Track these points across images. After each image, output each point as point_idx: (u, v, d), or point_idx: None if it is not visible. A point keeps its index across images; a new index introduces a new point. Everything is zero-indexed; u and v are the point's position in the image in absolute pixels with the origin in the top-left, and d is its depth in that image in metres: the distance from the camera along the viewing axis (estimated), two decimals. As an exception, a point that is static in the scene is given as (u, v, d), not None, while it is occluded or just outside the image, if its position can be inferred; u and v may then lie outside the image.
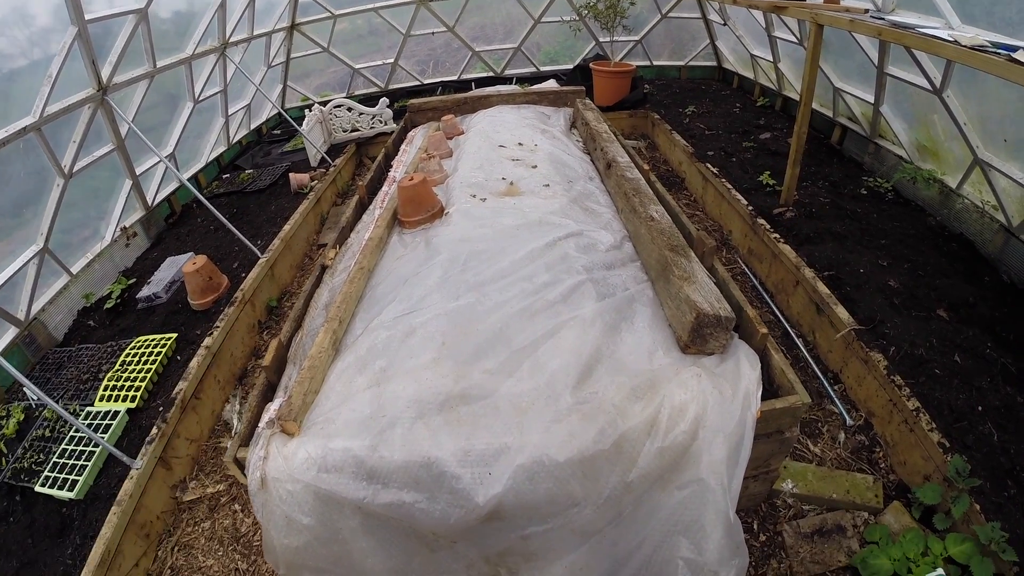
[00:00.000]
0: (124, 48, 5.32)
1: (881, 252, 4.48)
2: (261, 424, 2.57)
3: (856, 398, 3.73)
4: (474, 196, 4.39)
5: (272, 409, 2.65)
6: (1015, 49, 2.96)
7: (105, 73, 5.16)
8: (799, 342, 4.17)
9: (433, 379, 2.58)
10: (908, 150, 5.48)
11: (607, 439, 2.27)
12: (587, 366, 2.61)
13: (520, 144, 5.36)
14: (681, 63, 10.03)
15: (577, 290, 3.07)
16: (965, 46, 3.18)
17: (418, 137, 6.60)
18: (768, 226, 4.80)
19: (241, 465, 2.54)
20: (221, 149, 8.20)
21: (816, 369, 3.93)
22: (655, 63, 10.16)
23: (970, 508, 2.76)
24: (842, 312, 3.80)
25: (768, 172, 5.69)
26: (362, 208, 5.14)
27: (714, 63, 9.85)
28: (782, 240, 4.59)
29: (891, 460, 3.38)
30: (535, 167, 4.75)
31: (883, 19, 4.15)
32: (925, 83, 4.63)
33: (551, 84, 7.98)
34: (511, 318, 2.92)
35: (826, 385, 3.81)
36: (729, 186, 5.49)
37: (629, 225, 3.82)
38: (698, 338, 2.67)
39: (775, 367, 2.71)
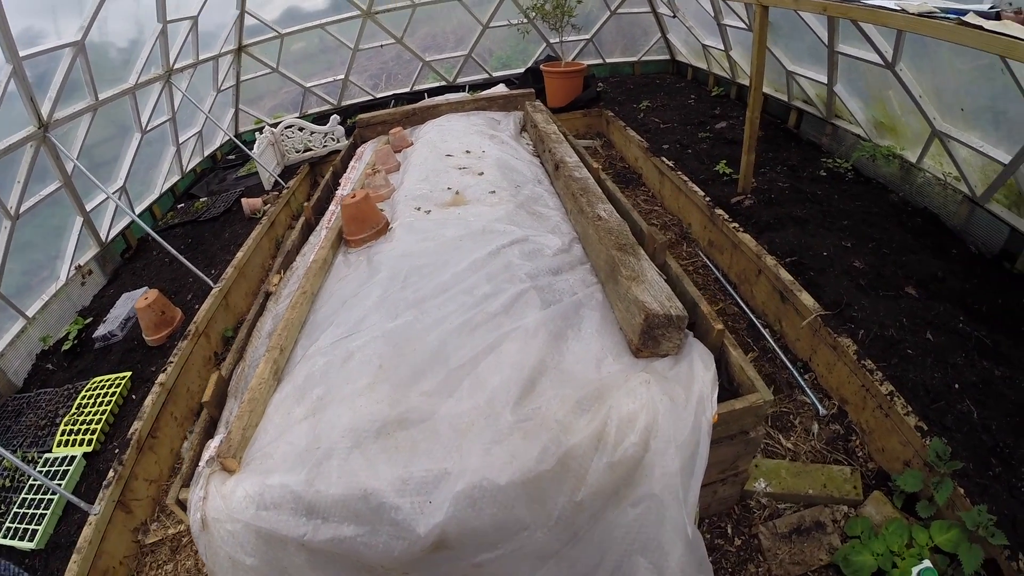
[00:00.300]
0: (63, 83, 5.12)
1: (844, 233, 4.34)
2: (201, 463, 2.43)
3: (828, 386, 3.56)
4: (418, 209, 4.22)
5: (212, 446, 2.51)
6: (964, 12, 2.83)
7: (45, 109, 4.95)
8: (766, 333, 4.00)
9: (368, 405, 2.42)
10: (865, 128, 5.38)
11: (550, 458, 2.09)
12: (530, 380, 2.42)
13: (468, 152, 5.18)
14: (634, 59, 9.94)
15: (520, 299, 2.88)
16: (913, 13, 3.04)
17: (367, 153, 6.41)
18: (726, 216, 4.64)
19: (184, 506, 2.39)
20: (175, 178, 7.93)
21: (785, 359, 3.76)
22: (608, 61, 10.04)
23: (954, 493, 2.60)
24: (807, 298, 3.64)
25: (724, 161, 5.55)
26: (309, 230, 4.94)
27: (667, 57, 9.77)
28: (741, 229, 4.44)
29: (869, 448, 3.21)
30: (481, 174, 4.57)
31: (827, -6, 4.01)
32: (877, 58, 4.52)
33: (501, 89, 7.85)
34: (450, 334, 2.73)
35: (796, 375, 3.64)
36: (685, 178, 5.34)
37: (578, 226, 3.65)
38: (649, 340, 2.49)
39: (734, 364, 2.54)
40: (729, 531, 2.90)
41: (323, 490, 2.13)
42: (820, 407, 3.43)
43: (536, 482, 2.08)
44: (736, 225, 4.49)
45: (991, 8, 2.85)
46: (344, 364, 2.73)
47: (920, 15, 2.99)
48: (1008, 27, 2.51)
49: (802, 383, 3.58)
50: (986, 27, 2.58)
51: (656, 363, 2.46)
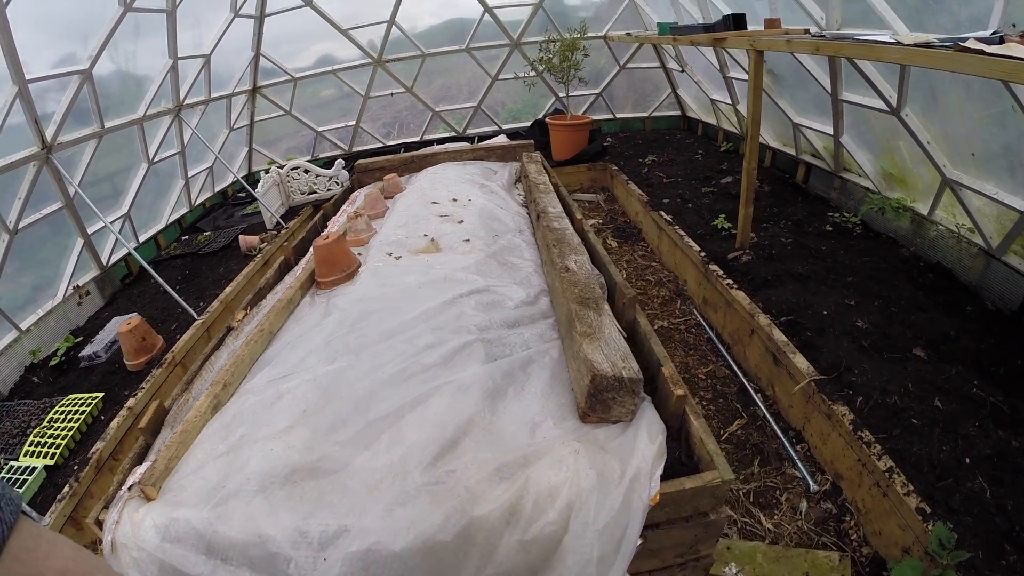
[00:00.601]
0: (68, 108, 5.22)
1: (848, 291, 4.02)
2: (124, 487, 2.32)
3: (822, 459, 3.19)
4: (390, 254, 4.03)
5: (138, 472, 2.39)
6: (965, 39, 2.57)
7: (49, 132, 5.07)
8: (757, 398, 3.66)
9: (282, 449, 2.23)
10: (874, 180, 5.10)
11: (452, 527, 1.80)
12: (452, 439, 2.13)
13: (454, 200, 4.99)
14: (645, 114, 9.81)
15: (462, 352, 2.60)
16: (909, 44, 2.80)
17: (361, 198, 6.29)
18: (721, 272, 4.35)
19: (101, 526, 2.24)
20: (183, 210, 8.04)
21: (776, 428, 3.40)
22: (619, 116, 9.94)
23: (959, 590, 2.22)
24: (800, 361, 3.31)
25: (724, 215, 5.28)
26: (287, 269, 4.79)
27: (678, 112, 9.63)
28: (735, 286, 4.13)
29: (864, 530, 2.82)
30: (461, 222, 4.36)
31: (824, 35, 3.80)
32: (882, 104, 4.28)
33: (500, 140, 7.73)
34: (381, 384, 2.48)
35: (787, 445, 3.28)
36: (682, 233, 5.07)
37: (548, 278, 3.38)
38: (598, 404, 2.18)
39: (694, 436, 2.21)
40: (695, 626, 2.51)
41: (223, 531, 1.98)
42: (811, 482, 3.06)
43: (436, 553, 1.79)
44: (730, 281, 4.18)
45: (993, 33, 2.59)
46: (273, 405, 2.57)
47: (916, 45, 2.74)
48: (1012, 50, 2.24)
49: (793, 455, 3.21)
50: (987, 51, 2.31)
51: (599, 431, 2.15)
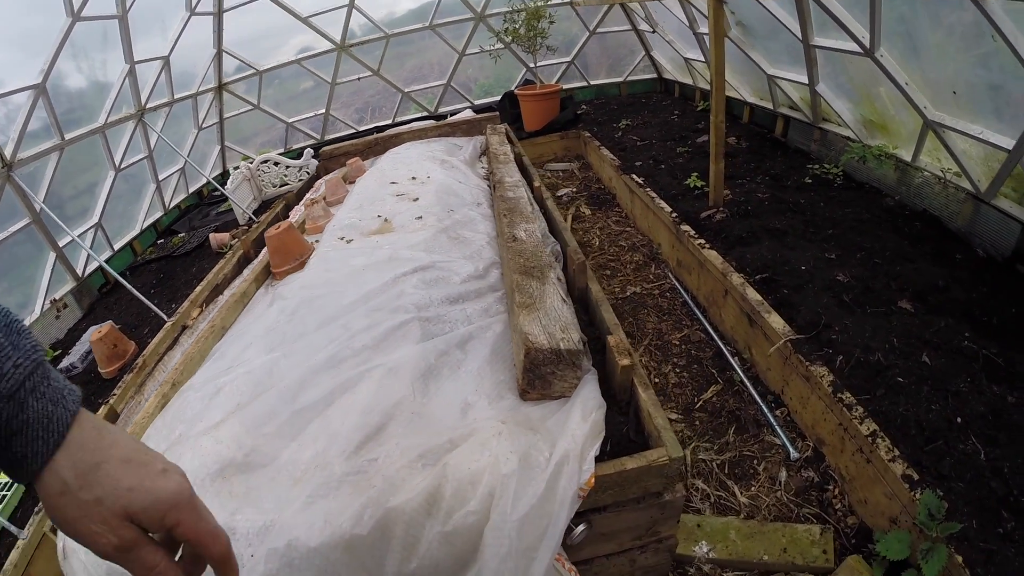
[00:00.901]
0: (25, 124, 5.09)
1: (828, 244, 3.78)
2: None
3: (802, 423, 2.96)
4: (342, 238, 3.81)
5: None
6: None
7: (8, 150, 4.94)
8: (734, 362, 3.42)
9: (212, 445, 2.07)
10: (855, 129, 4.85)
11: (367, 520, 1.60)
12: (378, 425, 1.93)
13: (413, 178, 4.74)
14: (620, 79, 9.52)
15: (396, 332, 2.38)
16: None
17: (324, 185, 6.05)
18: (692, 232, 4.10)
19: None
20: (158, 214, 7.88)
21: (754, 392, 3.17)
22: (593, 83, 9.65)
23: (950, 562, 1.99)
24: (776, 320, 3.07)
25: (696, 174, 5.02)
26: (246, 262, 4.58)
27: (654, 75, 9.34)
28: (707, 245, 3.88)
29: (849, 499, 2.60)
30: (416, 200, 4.13)
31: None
32: (855, 47, 4.02)
33: (466, 114, 7.48)
34: (312, 372, 2.28)
35: (765, 411, 3.05)
36: (653, 195, 4.82)
37: (500, 250, 3.15)
38: (537, 380, 1.95)
39: (642, 410, 1.98)
40: (663, 612, 2.29)
41: None
42: (791, 449, 2.83)
43: (353, 547, 1.60)
44: (702, 241, 3.94)
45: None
46: (211, 400, 2.42)
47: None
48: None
49: (771, 420, 2.98)
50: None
51: (535, 409, 1.93)
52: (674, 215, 4.38)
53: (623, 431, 1.98)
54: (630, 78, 9.48)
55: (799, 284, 3.38)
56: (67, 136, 5.70)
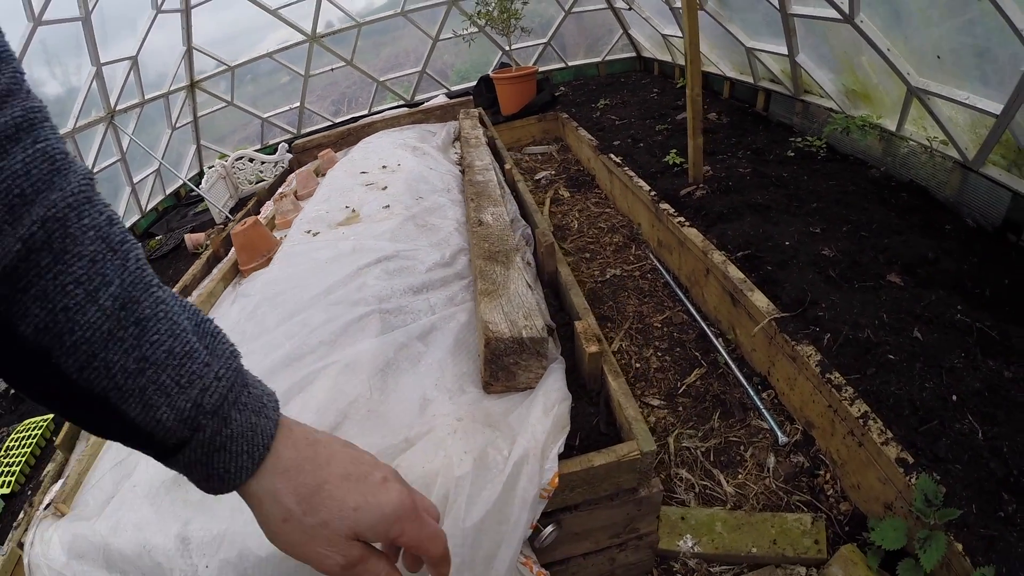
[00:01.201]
0: None
1: (813, 218, 3.65)
2: (42, 506, 2.16)
3: (790, 406, 2.83)
4: (308, 231, 3.63)
5: (54, 489, 2.22)
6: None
7: None
8: (718, 343, 3.28)
9: None
10: (837, 100, 4.71)
11: None
12: (332, 425, 1.77)
13: (384, 167, 4.57)
14: (599, 59, 9.33)
15: (354, 326, 2.22)
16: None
17: (296, 179, 5.87)
18: (672, 210, 3.95)
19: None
20: (135, 218, 7.67)
21: (739, 375, 3.04)
22: (571, 64, 9.45)
23: (949, 550, 1.86)
24: (759, 299, 2.93)
25: (675, 151, 4.86)
26: (216, 261, 4.41)
27: (633, 54, 9.15)
28: (687, 223, 3.73)
29: (841, 483, 2.46)
30: (385, 188, 3.96)
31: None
32: (834, 13, 3.87)
33: (440, 99, 7.30)
34: (268, 371, 2.12)
35: (751, 394, 2.91)
36: (631, 174, 4.66)
37: (468, 236, 3.00)
38: (500, 371, 1.80)
39: (613, 400, 1.84)
40: (646, 610, 2.16)
41: (115, 544, 1.75)
42: (780, 433, 2.69)
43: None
44: (682, 219, 3.79)
45: None
46: None
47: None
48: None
49: (758, 403, 2.84)
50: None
51: (497, 403, 1.78)
52: (652, 194, 4.23)
53: (593, 423, 1.84)
54: (608, 57, 9.30)
55: (783, 260, 3.24)
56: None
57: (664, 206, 4.00)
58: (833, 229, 3.49)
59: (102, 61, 6.39)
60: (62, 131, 5.73)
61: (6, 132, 0.55)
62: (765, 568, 2.17)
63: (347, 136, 6.43)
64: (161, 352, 0.64)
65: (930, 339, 2.59)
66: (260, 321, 2.60)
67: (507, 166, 3.80)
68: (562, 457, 1.58)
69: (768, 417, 2.77)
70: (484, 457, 1.49)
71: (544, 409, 1.64)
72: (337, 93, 10.21)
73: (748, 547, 2.21)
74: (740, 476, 2.57)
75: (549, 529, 1.66)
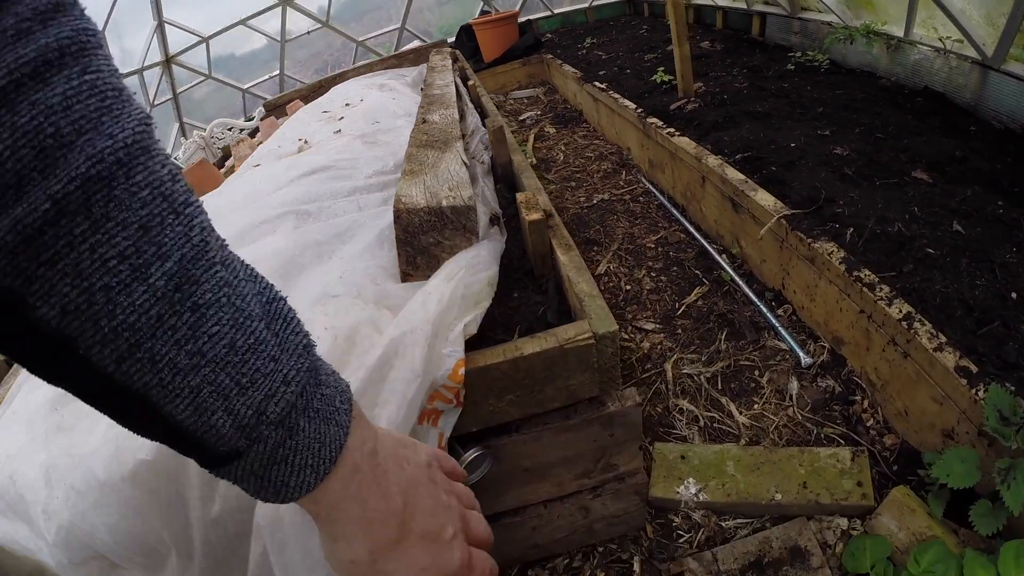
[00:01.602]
0: None
1: (820, 122, 3.22)
2: None
3: (812, 321, 2.38)
4: (256, 166, 3.28)
5: None
6: None
7: None
8: (722, 260, 2.84)
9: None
10: (838, 12, 4.27)
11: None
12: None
13: (347, 104, 4.20)
14: (586, 5, 8.88)
15: (264, 225, 1.84)
16: None
17: (260, 128, 5.56)
18: (660, 123, 3.52)
19: None
20: None
21: (747, 290, 2.60)
22: (557, 11, 8.99)
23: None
24: (764, 198, 2.50)
25: (663, 68, 4.42)
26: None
27: (622, -3, 8.69)
28: (677, 133, 3.30)
29: (883, 411, 2.01)
30: (341, 119, 3.61)
31: None
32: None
33: (414, 44, 6.96)
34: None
35: (764, 310, 2.47)
36: (616, 96, 4.25)
37: (412, 138, 2.63)
38: (417, 256, 1.38)
39: (562, 276, 1.41)
40: (637, 569, 1.68)
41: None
42: (801, 354, 2.23)
43: (142, 481, 1.13)
44: (672, 130, 3.36)
45: None
46: None
47: None
48: None
49: (772, 321, 2.40)
50: None
51: (403, 289, 1.35)
52: (639, 111, 3.80)
53: (539, 312, 1.41)
54: (597, 2, 8.85)
55: (789, 161, 2.81)
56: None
57: (652, 120, 3.56)
58: (844, 131, 3.07)
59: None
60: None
61: (47, 56, 0.43)
62: (795, 521, 1.69)
63: (319, 88, 6.06)
64: (221, 347, 0.51)
65: (973, 232, 2.16)
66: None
67: (471, 82, 3.37)
68: (480, 346, 1.16)
69: (786, 336, 2.31)
70: (353, 336, 1.07)
71: (446, 276, 1.21)
72: (320, 62, 9.94)
73: (770, 493, 1.73)
74: (756, 406, 2.11)
75: (472, 453, 1.24)
